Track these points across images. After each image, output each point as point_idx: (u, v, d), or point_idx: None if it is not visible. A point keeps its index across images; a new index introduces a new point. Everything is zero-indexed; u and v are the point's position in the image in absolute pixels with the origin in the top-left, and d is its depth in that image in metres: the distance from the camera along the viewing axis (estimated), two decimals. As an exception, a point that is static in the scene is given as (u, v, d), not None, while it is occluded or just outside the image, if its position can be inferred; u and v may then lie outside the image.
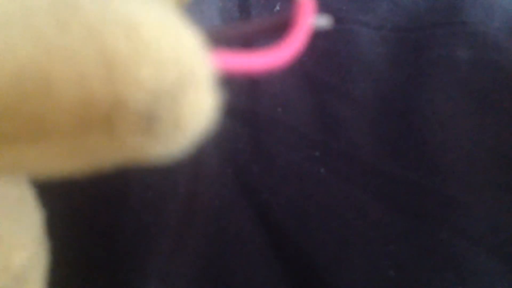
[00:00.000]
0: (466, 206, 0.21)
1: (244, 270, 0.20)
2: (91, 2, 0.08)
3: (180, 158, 0.09)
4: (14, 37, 0.08)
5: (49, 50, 0.08)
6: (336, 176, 0.22)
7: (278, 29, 0.13)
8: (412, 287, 0.20)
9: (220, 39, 0.12)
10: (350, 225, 0.21)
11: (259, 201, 0.22)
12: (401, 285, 0.20)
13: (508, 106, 0.23)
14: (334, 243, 0.21)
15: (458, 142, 0.22)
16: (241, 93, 0.24)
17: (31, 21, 0.08)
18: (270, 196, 0.22)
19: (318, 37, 0.14)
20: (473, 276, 0.20)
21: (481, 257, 0.20)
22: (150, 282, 0.19)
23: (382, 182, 0.22)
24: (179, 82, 0.08)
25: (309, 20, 0.13)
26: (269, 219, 0.22)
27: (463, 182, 0.21)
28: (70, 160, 0.08)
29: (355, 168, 0.22)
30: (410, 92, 0.24)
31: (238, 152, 0.23)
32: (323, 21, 0.13)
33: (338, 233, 0.21)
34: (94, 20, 0.08)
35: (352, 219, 0.21)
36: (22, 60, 0.07)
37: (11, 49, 0.07)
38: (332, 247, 0.21)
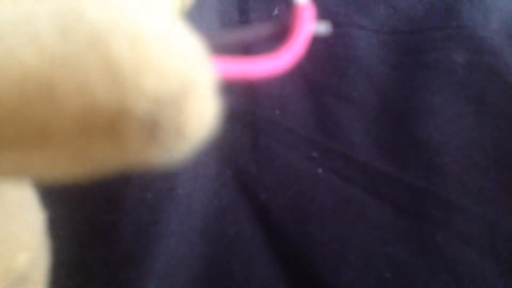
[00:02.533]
0: (463, 208, 0.21)
1: (244, 270, 0.20)
2: (94, 11, 0.08)
3: (181, 161, 0.09)
4: (18, 44, 0.08)
5: (53, 57, 0.08)
6: (334, 177, 0.22)
7: (278, 35, 0.13)
8: None
9: (220, 44, 0.12)
10: (348, 226, 0.21)
11: (258, 202, 0.22)
12: (397, 286, 0.20)
13: (504, 108, 0.23)
14: (332, 243, 0.21)
15: (455, 144, 0.23)
16: (240, 96, 0.24)
17: (35, 28, 0.08)
18: (269, 197, 0.22)
19: (316, 40, 0.14)
20: (469, 278, 0.20)
21: (477, 259, 0.20)
22: (150, 282, 0.19)
23: (379, 183, 0.22)
24: (182, 90, 0.08)
25: (309, 26, 0.13)
26: (268, 220, 0.22)
27: (460, 184, 0.22)
28: (73, 165, 0.09)
29: (353, 169, 0.23)
30: (408, 94, 0.24)
31: (237, 153, 0.23)
32: (322, 27, 0.13)
33: (336, 233, 0.21)
34: (97, 28, 0.08)
35: (350, 219, 0.21)
36: (25, 67, 0.08)
37: (15, 56, 0.08)
38: (330, 247, 0.21)
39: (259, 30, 0.13)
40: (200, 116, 0.08)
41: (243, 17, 0.27)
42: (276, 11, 0.27)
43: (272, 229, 0.21)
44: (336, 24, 0.26)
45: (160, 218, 0.21)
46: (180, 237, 0.21)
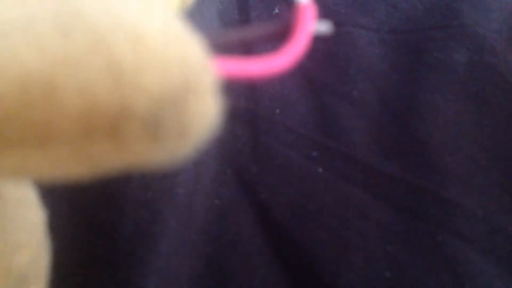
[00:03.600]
0: (463, 208, 0.21)
1: (244, 269, 0.20)
2: (95, 10, 0.08)
3: (183, 161, 0.09)
4: (19, 44, 0.08)
5: (54, 57, 0.08)
6: (334, 176, 0.22)
7: (279, 34, 0.13)
8: None
9: (221, 44, 0.12)
10: (348, 225, 0.21)
11: (258, 201, 0.22)
12: (398, 286, 0.20)
13: (505, 107, 0.23)
14: (332, 242, 0.21)
15: (456, 144, 0.23)
16: (240, 95, 0.24)
17: (36, 28, 0.08)
18: (269, 196, 0.22)
19: (317, 39, 0.14)
20: (469, 278, 0.20)
21: (478, 259, 0.20)
22: (150, 281, 0.19)
23: (380, 183, 0.22)
24: (184, 89, 0.08)
25: (310, 25, 0.13)
26: (268, 219, 0.22)
27: (460, 183, 0.22)
28: (74, 165, 0.09)
29: (353, 168, 0.23)
30: (408, 94, 0.24)
31: (238, 152, 0.23)
32: (324, 27, 0.13)
33: (337, 233, 0.21)
34: (99, 27, 0.08)
35: (351, 218, 0.21)
36: (26, 67, 0.07)
37: (16, 56, 0.08)
38: (331, 247, 0.21)
39: (260, 29, 0.13)
40: (201, 116, 0.08)
41: (243, 16, 0.27)
42: (276, 10, 0.27)
43: (272, 228, 0.22)
44: (336, 23, 0.26)
45: (160, 217, 0.21)
46: (180, 236, 0.21)
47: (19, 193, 0.14)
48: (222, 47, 0.11)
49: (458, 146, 0.22)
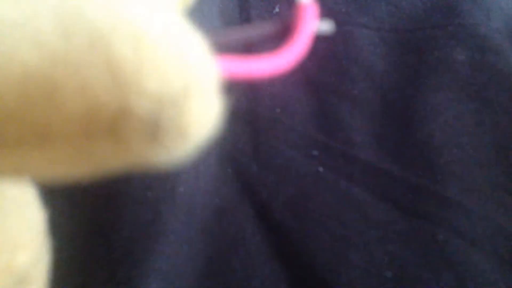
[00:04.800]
0: (464, 207, 0.21)
1: (244, 269, 0.20)
2: (96, 10, 0.08)
3: (183, 162, 0.09)
4: (19, 44, 0.08)
5: (54, 57, 0.08)
6: (335, 175, 0.22)
7: (280, 34, 0.13)
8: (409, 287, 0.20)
9: (222, 43, 0.12)
10: (349, 224, 0.21)
11: (258, 200, 0.22)
12: (398, 285, 0.20)
13: (506, 107, 0.23)
14: (333, 242, 0.21)
15: (457, 143, 0.22)
16: (241, 94, 0.24)
17: (36, 28, 0.08)
18: (270, 195, 0.22)
19: (318, 38, 0.14)
20: (470, 277, 0.20)
21: (479, 257, 0.20)
22: (151, 281, 0.19)
23: (381, 182, 0.22)
24: (184, 90, 0.08)
25: (311, 24, 0.13)
26: (269, 218, 0.22)
27: (461, 183, 0.22)
28: (74, 165, 0.09)
29: (354, 167, 0.23)
30: (409, 93, 0.24)
31: (238, 151, 0.23)
32: (324, 26, 0.13)
33: (337, 232, 0.21)
34: (99, 27, 0.08)
35: (351, 218, 0.21)
36: (27, 66, 0.07)
37: (17, 56, 0.08)
38: (331, 246, 0.21)
39: (261, 28, 0.13)
40: (202, 116, 0.08)
41: (244, 15, 0.27)
42: (277, 9, 0.27)
43: (272, 228, 0.21)
44: (337, 23, 0.26)
45: (160, 216, 0.21)
46: (180, 235, 0.21)
47: (19, 192, 0.14)
48: (223, 47, 0.11)
49: (459, 145, 0.22)
